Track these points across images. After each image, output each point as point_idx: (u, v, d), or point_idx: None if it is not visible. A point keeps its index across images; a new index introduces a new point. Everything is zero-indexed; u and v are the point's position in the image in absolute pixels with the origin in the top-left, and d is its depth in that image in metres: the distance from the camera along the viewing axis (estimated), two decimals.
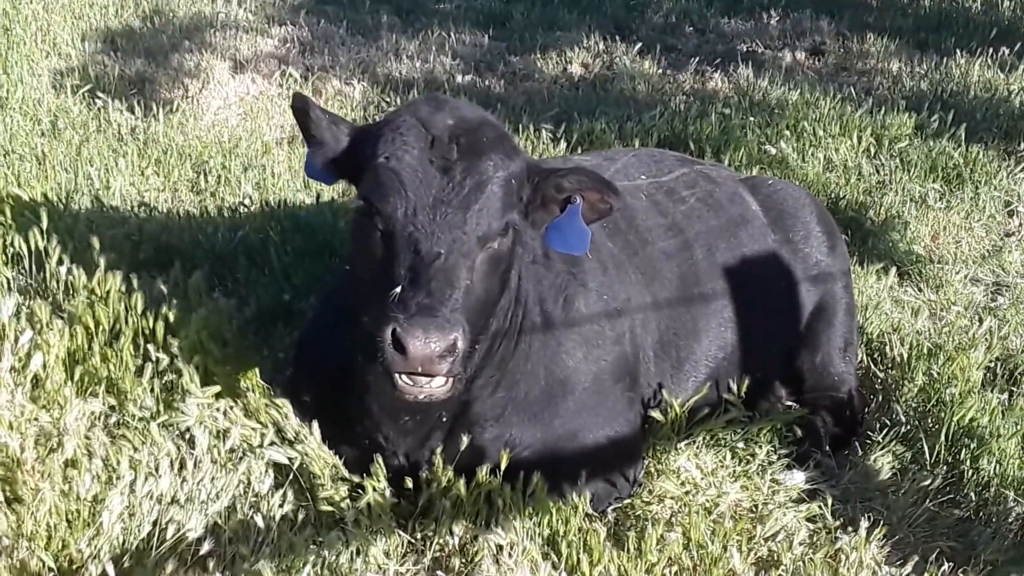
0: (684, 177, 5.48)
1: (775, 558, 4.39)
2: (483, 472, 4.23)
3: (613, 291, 4.70)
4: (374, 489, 4.21)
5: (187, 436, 4.33)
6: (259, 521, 4.11)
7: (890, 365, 5.84)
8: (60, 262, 5.05)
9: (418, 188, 3.68)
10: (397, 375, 3.59)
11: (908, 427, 5.32)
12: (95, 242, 5.02)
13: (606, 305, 4.64)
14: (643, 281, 4.91)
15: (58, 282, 5.05)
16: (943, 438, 5.14)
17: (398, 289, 3.57)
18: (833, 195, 7.85)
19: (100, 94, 8.44)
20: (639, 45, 11.00)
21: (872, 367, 5.92)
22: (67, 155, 7.26)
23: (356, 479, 4.33)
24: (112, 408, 4.43)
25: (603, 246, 4.80)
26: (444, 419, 4.26)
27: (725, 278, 5.18)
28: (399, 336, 3.46)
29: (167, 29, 10.53)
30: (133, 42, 10.12)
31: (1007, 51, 10.73)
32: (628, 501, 4.64)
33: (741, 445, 4.92)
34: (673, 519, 4.52)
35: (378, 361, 3.56)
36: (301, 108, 4.04)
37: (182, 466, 4.23)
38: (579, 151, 7.95)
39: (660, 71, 10.62)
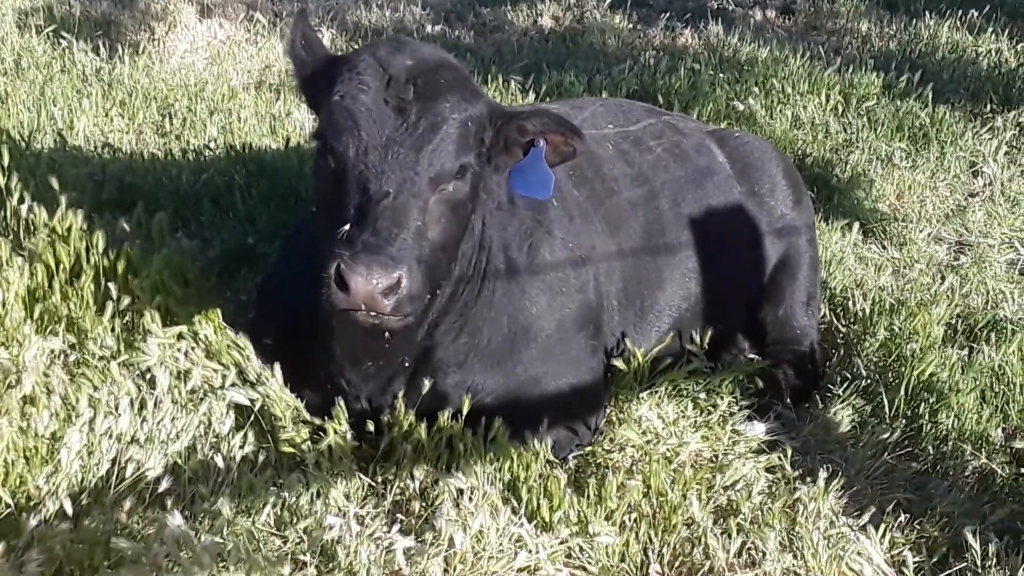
0: (651, 127, 5.47)
1: (734, 507, 4.40)
2: (444, 417, 4.23)
3: (578, 239, 4.69)
4: (335, 432, 4.20)
5: (147, 376, 4.29)
6: (219, 462, 4.10)
7: (852, 320, 5.88)
8: (21, 200, 4.99)
9: (371, 127, 3.66)
10: None
11: (868, 381, 5.35)
12: (56, 181, 4.97)
13: (571, 253, 4.62)
14: (608, 230, 4.90)
15: (19, 220, 4.99)
16: (903, 392, 5.17)
17: (346, 227, 3.56)
18: (800, 152, 7.87)
19: (65, 34, 8.36)
20: None
21: (835, 321, 5.95)
22: (30, 94, 7.19)
23: (317, 422, 4.32)
24: (72, 346, 4.39)
25: (569, 195, 4.79)
26: (407, 364, 4.26)
27: (690, 229, 5.18)
28: (342, 272, 3.45)
29: None
30: None
31: (976, 14, 10.78)
32: (589, 449, 4.65)
33: (703, 396, 4.93)
34: (634, 467, 4.54)
35: (323, 298, 3.55)
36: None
37: (142, 406, 4.20)
38: (547, 102, 7.92)
39: (630, 26, 10.62)
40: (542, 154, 3.96)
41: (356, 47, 9.03)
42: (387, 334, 4.00)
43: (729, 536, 4.27)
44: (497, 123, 3.94)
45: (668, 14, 10.85)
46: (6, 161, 5.15)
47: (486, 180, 4.03)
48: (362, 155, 3.65)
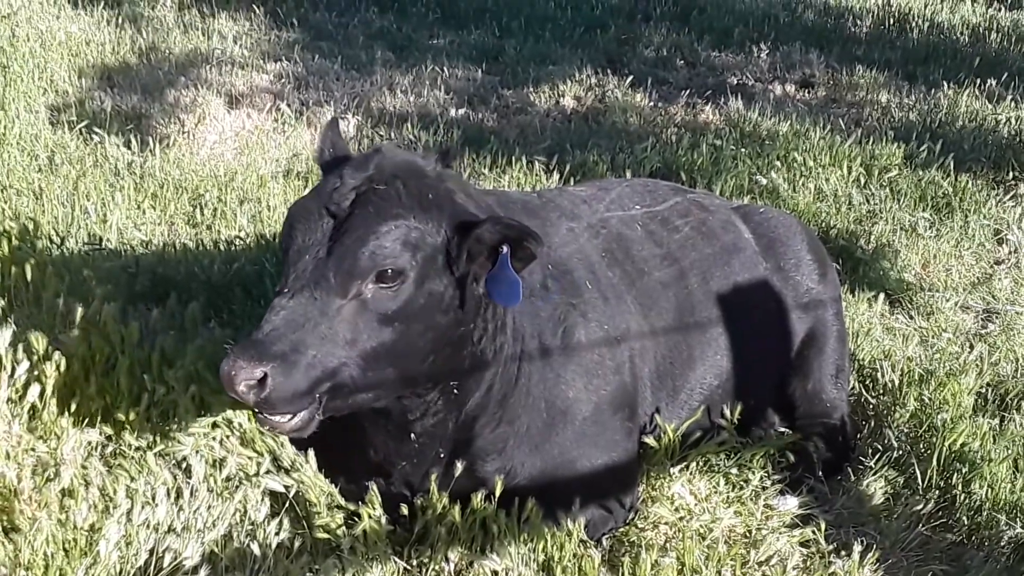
0: (678, 206, 5.50)
1: None
2: (478, 499, 4.26)
3: (613, 321, 4.71)
4: (369, 516, 4.22)
5: (183, 465, 4.34)
6: (255, 549, 4.13)
7: (882, 391, 5.87)
8: (56, 294, 5.07)
9: (302, 233, 3.73)
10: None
11: (900, 452, 5.34)
12: (91, 274, 5.05)
13: (606, 335, 4.64)
14: (641, 311, 4.92)
15: (54, 314, 5.07)
16: (935, 463, 5.16)
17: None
18: (824, 224, 7.89)
19: (97, 129, 8.48)
20: (630, 78, 11.08)
21: (864, 393, 5.94)
22: (64, 190, 7.29)
23: (352, 507, 4.34)
24: (109, 438, 4.44)
25: (603, 276, 4.82)
26: (442, 456, 4.31)
27: (719, 306, 5.19)
28: (222, 361, 3.55)
29: (163, 65, 10.60)
30: (129, 78, 10.18)
31: (994, 82, 10.86)
32: (623, 528, 4.66)
33: (734, 471, 4.93)
34: (667, 544, 4.54)
35: None
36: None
37: (179, 495, 4.24)
38: (572, 182, 7.99)
39: (651, 104, 10.70)
40: (507, 260, 3.88)
41: (381, 133, 9.22)
42: (412, 435, 4.14)
43: None
44: (459, 233, 3.87)
45: (688, 91, 10.96)
46: (41, 256, 5.24)
47: (468, 288, 3.97)
48: (286, 257, 3.76)
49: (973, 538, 4.93)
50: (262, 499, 4.32)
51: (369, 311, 3.70)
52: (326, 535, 4.28)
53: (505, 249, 3.87)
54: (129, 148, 8.30)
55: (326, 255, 3.68)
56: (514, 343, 4.30)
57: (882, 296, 6.91)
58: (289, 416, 3.69)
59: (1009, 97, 10.58)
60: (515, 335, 4.31)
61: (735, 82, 11.56)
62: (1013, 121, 10.15)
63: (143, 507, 4.10)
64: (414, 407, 4.10)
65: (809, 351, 5.52)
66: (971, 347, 6.40)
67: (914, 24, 13.18)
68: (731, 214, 5.69)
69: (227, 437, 4.43)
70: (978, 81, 10.93)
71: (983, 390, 5.93)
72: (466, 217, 3.91)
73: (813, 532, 4.66)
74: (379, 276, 3.68)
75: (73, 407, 4.47)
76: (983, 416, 5.64)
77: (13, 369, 4.32)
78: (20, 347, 4.43)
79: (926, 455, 5.26)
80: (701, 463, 4.91)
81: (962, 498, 5.05)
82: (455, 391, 4.11)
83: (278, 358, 3.54)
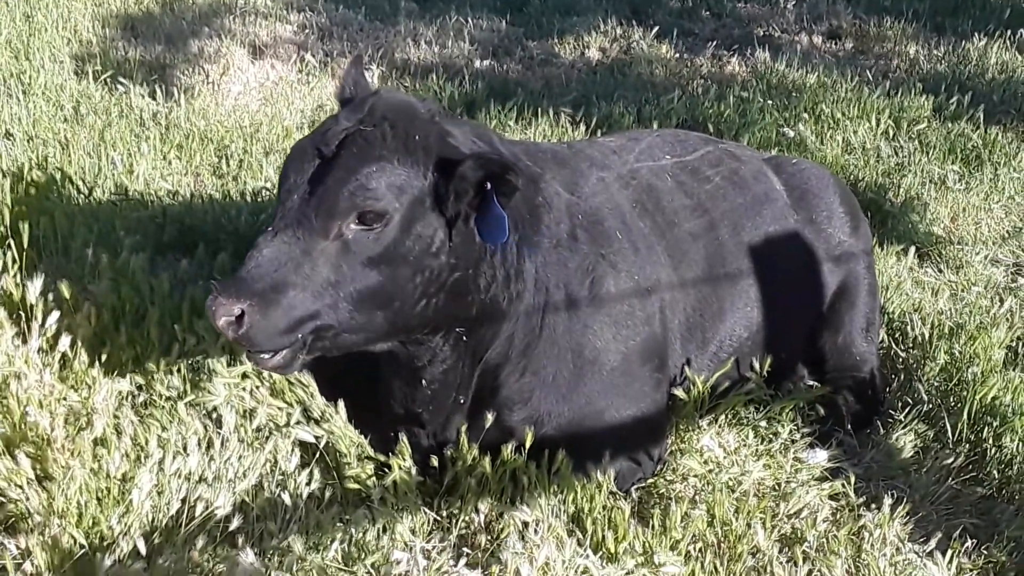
0: (709, 155, 5.44)
1: (799, 535, 4.40)
2: (508, 450, 4.25)
3: (644, 272, 4.67)
4: (399, 467, 4.24)
5: (214, 415, 4.37)
6: (286, 499, 4.15)
7: (911, 345, 5.84)
8: (85, 244, 5.08)
9: (295, 173, 3.73)
10: None
11: (930, 406, 5.32)
12: (119, 224, 5.05)
13: (636, 285, 4.61)
14: (671, 263, 4.87)
15: (83, 264, 5.08)
16: (965, 416, 5.13)
17: None
18: (852, 177, 7.84)
19: (121, 80, 8.47)
20: (656, 29, 11.01)
21: (894, 347, 5.91)
22: (90, 140, 7.28)
23: (382, 458, 4.36)
24: (140, 388, 4.47)
25: (634, 226, 4.78)
26: (462, 402, 4.31)
27: (750, 257, 5.15)
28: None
29: (186, 15, 10.58)
30: (152, 28, 10.17)
31: None
32: (652, 480, 4.66)
33: (764, 424, 4.92)
34: (697, 497, 4.54)
35: None
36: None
37: (209, 445, 4.27)
38: (598, 134, 7.95)
39: (677, 55, 10.63)
40: (493, 197, 3.82)
41: (406, 84, 9.19)
42: (423, 382, 4.13)
43: (795, 564, 4.28)
44: (444, 173, 3.82)
45: (714, 42, 10.90)
46: (69, 207, 5.24)
47: (457, 229, 3.93)
48: (279, 196, 3.77)
49: (1004, 492, 4.91)
50: (292, 450, 4.34)
51: (353, 253, 3.68)
52: (356, 486, 4.30)
53: (489, 185, 3.82)
54: (154, 98, 8.29)
55: (308, 195, 3.67)
56: (536, 293, 4.28)
57: (912, 249, 6.85)
58: (271, 353, 3.71)
59: None
60: (538, 285, 4.28)
61: (761, 33, 11.48)
62: None
63: (175, 457, 4.11)
64: (420, 353, 4.09)
65: (840, 304, 5.49)
66: (1001, 301, 6.36)
67: None
68: (763, 165, 5.64)
69: (257, 387, 4.45)
70: (1008, 32, 10.82)
71: (1014, 344, 5.89)
72: (449, 156, 3.86)
73: (843, 485, 4.64)
74: (360, 217, 3.66)
75: (104, 357, 4.49)
76: (1014, 370, 5.60)
77: (44, 319, 4.35)
78: (50, 296, 4.44)
79: (956, 409, 5.23)
80: (730, 416, 4.90)
81: (992, 452, 5.03)
82: (464, 338, 4.09)
83: (256, 295, 3.55)
